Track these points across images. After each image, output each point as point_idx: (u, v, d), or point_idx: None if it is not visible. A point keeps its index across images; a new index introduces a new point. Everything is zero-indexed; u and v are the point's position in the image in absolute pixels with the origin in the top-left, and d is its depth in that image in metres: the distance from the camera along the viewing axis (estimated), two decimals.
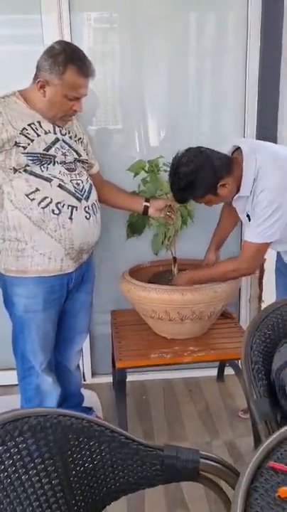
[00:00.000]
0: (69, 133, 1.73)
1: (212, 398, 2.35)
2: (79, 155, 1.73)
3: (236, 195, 1.71)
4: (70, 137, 1.73)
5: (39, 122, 1.62)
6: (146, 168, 2.05)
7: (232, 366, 2.28)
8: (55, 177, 1.61)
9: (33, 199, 1.58)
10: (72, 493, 0.87)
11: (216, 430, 2.11)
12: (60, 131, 1.69)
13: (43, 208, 1.59)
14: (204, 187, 1.66)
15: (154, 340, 2.04)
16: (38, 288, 1.66)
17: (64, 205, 1.62)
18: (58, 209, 1.60)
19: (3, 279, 1.69)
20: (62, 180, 1.62)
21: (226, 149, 1.77)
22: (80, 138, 1.79)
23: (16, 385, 1.85)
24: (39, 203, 1.58)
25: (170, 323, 1.93)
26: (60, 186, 1.61)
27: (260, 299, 2.45)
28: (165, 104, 2.30)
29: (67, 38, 2.06)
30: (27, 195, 1.58)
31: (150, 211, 1.91)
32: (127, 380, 1.97)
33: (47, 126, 1.65)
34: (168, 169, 2.04)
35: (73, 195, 1.64)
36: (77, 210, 1.64)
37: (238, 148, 1.73)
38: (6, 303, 1.74)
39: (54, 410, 0.90)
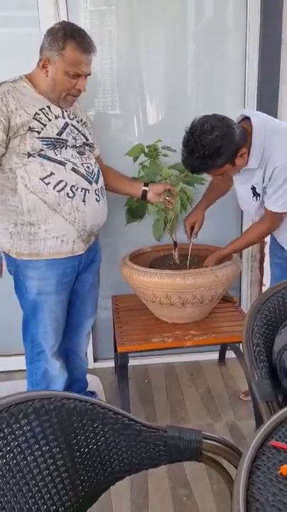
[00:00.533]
0: (75, 117, 1.74)
1: (214, 381, 2.37)
2: (86, 139, 1.75)
3: (245, 167, 1.70)
4: (77, 121, 1.74)
5: (48, 107, 1.63)
6: (145, 151, 2.03)
7: (233, 349, 2.29)
8: (68, 160, 1.63)
9: (48, 183, 1.60)
10: (77, 473, 0.88)
11: (218, 413, 2.14)
12: (68, 115, 1.70)
13: (58, 191, 1.61)
14: (227, 155, 1.61)
15: (155, 324, 2.05)
16: (51, 270, 1.69)
17: (78, 188, 1.64)
18: (73, 192, 1.63)
19: (16, 264, 1.69)
20: (75, 164, 1.65)
21: (233, 117, 1.72)
22: (85, 122, 1.80)
23: (20, 370, 1.86)
24: (54, 187, 1.60)
25: (171, 307, 1.94)
26: (73, 170, 1.64)
27: (261, 282, 2.46)
28: (163, 88, 2.27)
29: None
30: (42, 179, 1.59)
31: (149, 196, 1.90)
32: (129, 364, 1.98)
33: (56, 110, 1.65)
34: (168, 153, 2.04)
35: (85, 178, 1.67)
36: (89, 192, 1.67)
37: (246, 118, 1.71)
38: (18, 287, 1.74)
39: (58, 393, 0.91)
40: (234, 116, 1.73)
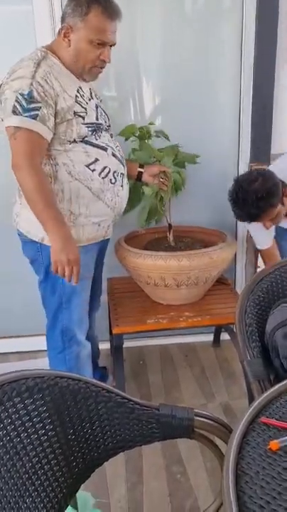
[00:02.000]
0: (97, 95, 1.68)
1: (208, 363, 2.40)
2: (109, 119, 1.72)
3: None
4: (101, 101, 1.70)
5: (81, 87, 1.57)
6: (137, 134, 2.01)
7: (228, 331, 2.31)
8: (108, 145, 1.61)
9: (94, 169, 1.57)
10: (71, 449, 0.90)
11: (212, 393, 2.17)
12: (95, 95, 1.65)
13: (103, 177, 1.59)
14: (278, 193, 1.75)
15: (150, 306, 2.06)
16: (88, 255, 1.69)
17: (118, 173, 1.64)
18: (115, 178, 1.63)
19: (49, 253, 1.56)
20: (113, 148, 1.64)
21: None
22: (101, 99, 1.75)
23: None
24: (99, 173, 1.58)
25: (165, 289, 1.95)
26: (113, 155, 1.63)
27: (255, 265, 2.46)
28: (159, 71, 2.24)
29: None
30: (87, 166, 1.56)
31: (144, 177, 1.89)
32: (124, 346, 2.00)
33: (86, 90, 1.59)
34: (161, 136, 2.02)
35: (121, 162, 1.67)
36: (124, 177, 1.68)
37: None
38: (50, 278, 1.66)
39: (51, 372, 0.91)
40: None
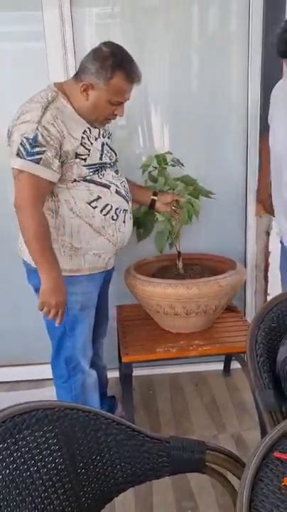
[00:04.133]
0: (105, 132, 1.71)
1: (219, 392, 2.36)
2: (115, 154, 1.74)
3: None
4: (108, 137, 1.73)
5: (89, 129, 1.60)
6: (154, 164, 2.04)
7: (238, 360, 2.28)
8: (111, 183, 1.64)
9: (95, 207, 1.61)
10: (80, 484, 0.88)
11: (223, 423, 2.12)
12: (103, 134, 1.68)
13: (105, 215, 1.63)
14: None
15: (160, 334, 2.05)
16: (91, 284, 1.72)
17: (121, 210, 1.67)
18: (116, 214, 1.66)
19: None
20: (117, 185, 1.67)
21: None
22: (111, 134, 1.78)
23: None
24: (101, 211, 1.62)
25: (175, 317, 1.94)
26: (117, 192, 1.66)
27: (265, 292, 2.45)
28: (168, 100, 2.29)
29: (68, 35, 2.07)
30: (89, 204, 1.60)
31: (157, 205, 1.92)
32: (134, 374, 1.98)
33: (94, 131, 1.62)
34: (176, 165, 2.04)
35: (125, 198, 1.70)
36: (127, 212, 1.71)
37: None
38: None
39: (61, 403, 0.91)
40: None
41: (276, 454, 0.82)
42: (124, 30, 2.21)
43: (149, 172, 2.07)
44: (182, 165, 2.07)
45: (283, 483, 0.75)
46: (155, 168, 2.05)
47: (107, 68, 1.49)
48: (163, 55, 2.24)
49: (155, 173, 2.05)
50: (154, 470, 0.95)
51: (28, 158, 1.45)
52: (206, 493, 1.71)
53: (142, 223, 2.14)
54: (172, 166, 2.06)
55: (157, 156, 2.05)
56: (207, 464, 0.96)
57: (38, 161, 1.46)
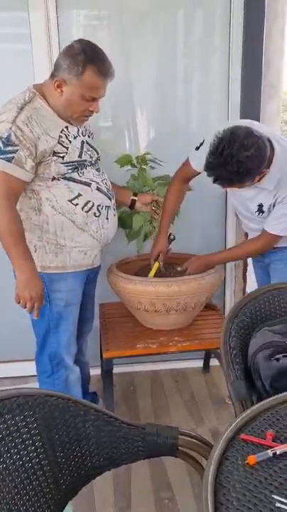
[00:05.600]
0: (86, 131, 1.74)
1: (198, 388, 2.42)
2: (97, 153, 1.78)
3: (256, 185, 1.68)
4: (89, 136, 1.76)
5: (67, 127, 1.63)
6: (134, 163, 2.09)
7: (217, 357, 2.34)
8: (92, 180, 1.68)
9: (77, 204, 1.64)
10: (59, 466, 0.93)
11: (201, 418, 2.18)
12: (82, 132, 1.71)
13: (87, 211, 1.66)
14: (255, 175, 1.59)
15: (140, 331, 2.10)
16: (76, 282, 1.76)
17: (103, 207, 1.71)
18: (99, 211, 1.69)
19: (40, 277, 1.64)
20: (98, 183, 1.70)
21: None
22: (92, 133, 1.81)
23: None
24: (83, 208, 1.65)
25: (155, 314, 1.99)
26: (98, 189, 1.69)
27: (244, 291, 2.52)
28: (153, 101, 2.35)
29: (54, 37, 2.10)
30: (70, 201, 1.63)
31: (137, 205, 1.97)
32: (115, 372, 2.03)
33: (73, 129, 1.65)
34: (154, 165, 2.11)
35: (106, 195, 1.74)
36: (110, 209, 1.75)
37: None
38: None
39: (41, 391, 0.96)
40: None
41: (242, 436, 0.88)
42: (111, 32, 2.26)
43: (133, 174, 2.12)
44: (160, 162, 2.11)
45: (246, 461, 0.81)
46: (135, 167, 2.10)
47: (78, 63, 1.52)
48: (149, 57, 2.28)
49: (134, 172, 2.10)
50: (130, 454, 1.00)
51: (1, 157, 1.49)
52: (183, 484, 1.77)
53: (127, 224, 2.19)
54: (152, 168, 2.11)
55: (137, 157, 2.10)
56: (179, 448, 1.01)
57: (9, 160, 1.49)
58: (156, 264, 2.07)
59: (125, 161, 2.10)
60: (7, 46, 2.17)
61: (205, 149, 1.74)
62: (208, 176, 1.62)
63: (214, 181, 1.63)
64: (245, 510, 0.71)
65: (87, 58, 1.52)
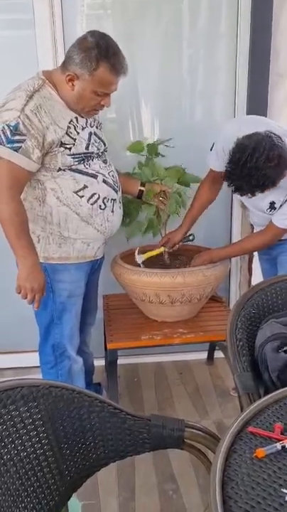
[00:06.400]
0: (94, 121, 1.72)
1: (202, 380, 2.41)
2: (105, 144, 1.75)
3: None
4: (97, 127, 1.73)
5: (76, 118, 1.60)
6: (145, 151, 2.05)
7: (222, 349, 2.33)
8: (98, 172, 1.65)
9: (82, 196, 1.62)
10: (63, 457, 0.92)
11: (205, 410, 2.17)
12: (91, 123, 1.68)
13: (92, 204, 1.64)
14: (276, 184, 1.56)
15: (145, 323, 2.08)
16: (79, 273, 1.74)
17: (108, 199, 1.69)
18: (104, 204, 1.67)
19: (43, 267, 1.63)
20: (104, 175, 1.68)
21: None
22: (101, 123, 1.78)
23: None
24: (88, 200, 1.63)
25: (160, 306, 1.98)
26: (104, 181, 1.67)
27: (249, 283, 2.50)
28: (157, 92, 2.31)
29: (58, 24, 2.08)
30: (75, 193, 1.61)
31: (145, 195, 1.94)
32: (119, 363, 2.02)
33: (81, 120, 1.62)
34: (165, 153, 2.06)
35: (113, 188, 1.71)
36: (115, 202, 1.72)
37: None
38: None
39: (45, 381, 0.94)
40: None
41: (250, 429, 0.86)
42: (115, 21, 2.22)
43: (140, 162, 2.08)
44: (172, 146, 2.06)
45: (254, 454, 0.79)
46: (144, 155, 2.06)
47: (92, 59, 1.47)
48: (153, 47, 2.25)
49: (145, 162, 2.07)
50: (135, 446, 0.99)
51: (8, 146, 1.46)
52: (187, 476, 1.76)
53: (127, 211, 2.15)
54: (162, 156, 2.08)
55: (148, 145, 2.05)
56: (185, 440, 1.00)
57: (16, 149, 1.47)
58: (161, 249, 2.04)
59: (137, 148, 2.07)
60: (11, 32, 2.14)
61: (216, 149, 1.75)
62: (228, 186, 1.59)
63: (234, 191, 1.60)
64: (254, 504, 0.70)
65: (101, 54, 1.48)
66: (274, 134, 1.53)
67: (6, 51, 2.12)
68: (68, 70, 1.53)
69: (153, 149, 2.04)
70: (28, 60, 2.09)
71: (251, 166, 1.47)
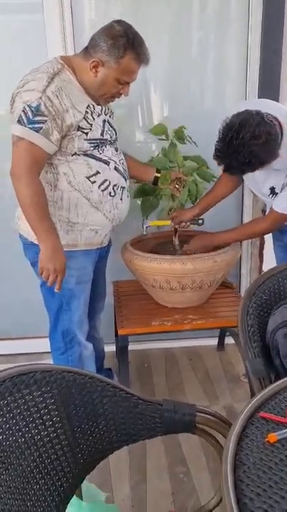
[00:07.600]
0: (108, 110, 1.72)
1: (213, 366, 2.42)
2: (116, 133, 1.76)
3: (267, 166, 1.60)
4: (110, 116, 1.74)
5: (93, 105, 1.61)
6: (168, 135, 2.05)
7: (232, 335, 2.34)
8: (111, 159, 1.66)
9: (94, 182, 1.63)
10: (76, 441, 0.93)
11: (216, 396, 2.19)
12: (105, 111, 1.69)
13: (103, 190, 1.65)
14: (266, 163, 1.55)
15: (155, 309, 2.09)
16: (87, 260, 1.75)
17: (118, 187, 1.69)
18: (114, 191, 1.68)
19: None
20: (116, 162, 1.68)
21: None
22: (113, 112, 1.79)
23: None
24: (99, 186, 1.64)
25: (170, 292, 1.98)
26: (115, 169, 1.68)
27: (260, 269, 2.49)
28: (167, 77, 2.29)
29: (67, 8, 2.05)
30: (88, 178, 1.61)
31: (160, 181, 1.94)
32: (129, 349, 2.03)
33: (97, 107, 1.63)
34: (191, 142, 2.03)
35: (123, 176, 1.72)
36: (124, 190, 1.73)
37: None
38: None
39: (58, 367, 0.95)
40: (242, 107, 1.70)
41: (262, 414, 0.86)
42: (124, 4, 2.18)
43: (163, 148, 2.07)
44: (195, 143, 2.06)
45: (266, 439, 0.80)
46: (165, 140, 2.04)
47: (119, 47, 1.50)
48: (162, 31, 2.21)
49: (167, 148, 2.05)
50: (147, 430, 1.00)
51: (29, 126, 1.47)
52: (198, 459, 1.78)
53: (148, 193, 2.10)
54: (183, 144, 2.05)
55: (175, 130, 2.03)
56: (197, 425, 1.01)
57: (37, 130, 1.47)
58: (167, 221, 2.08)
59: (160, 130, 2.05)
60: (19, 16, 2.12)
61: None
62: (218, 164, 1.61)
63: (225, 171, 1.61)
64: (266, 488, 0.70)
65: (129, 42, 1.51)
66: (267, 114, 1.50)
67: (15, 35, 2.11)
68: (93, 57, 1.54)
69: (179, 133, 2.02)
70: (36, 44, 2.07)
71: (237, 143, 1.45)
